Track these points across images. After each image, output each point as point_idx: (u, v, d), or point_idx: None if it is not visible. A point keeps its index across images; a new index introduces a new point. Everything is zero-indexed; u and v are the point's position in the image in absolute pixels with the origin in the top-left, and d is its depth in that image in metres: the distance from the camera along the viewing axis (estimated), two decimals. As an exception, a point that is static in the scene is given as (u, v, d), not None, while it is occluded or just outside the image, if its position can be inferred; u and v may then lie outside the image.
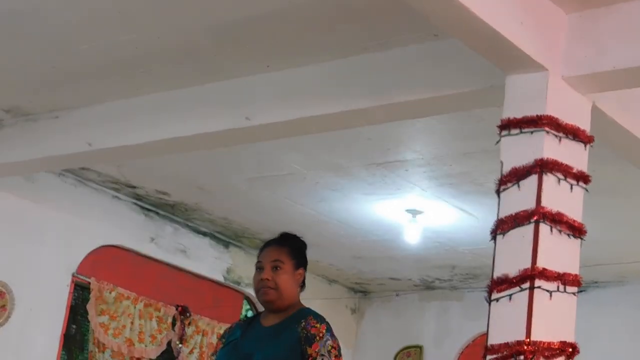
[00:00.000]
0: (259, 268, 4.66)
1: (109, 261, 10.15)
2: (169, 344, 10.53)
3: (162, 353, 10.47)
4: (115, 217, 10.12)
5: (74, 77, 7.39)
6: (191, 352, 10.68)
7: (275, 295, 4.58)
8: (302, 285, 4.70)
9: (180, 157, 8.59)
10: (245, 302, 11.67)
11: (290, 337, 4.46)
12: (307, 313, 4.56)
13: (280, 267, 4.62)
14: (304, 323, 4.49)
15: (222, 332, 5.00)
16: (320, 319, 4.53)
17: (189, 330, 10.68)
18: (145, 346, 10.21)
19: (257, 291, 4.66)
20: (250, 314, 11.50)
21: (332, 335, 4.48)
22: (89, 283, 9.88)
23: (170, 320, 10.55)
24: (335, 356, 4.44)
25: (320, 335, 4.46)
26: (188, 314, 10.68)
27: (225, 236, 11.13)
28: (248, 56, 6.74)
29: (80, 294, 10.04)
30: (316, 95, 6.71)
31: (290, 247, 4.69)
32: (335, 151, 8.38)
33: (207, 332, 10.84)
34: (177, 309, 10.61)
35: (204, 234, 10.98)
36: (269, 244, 4.75)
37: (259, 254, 4.74)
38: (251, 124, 6.95)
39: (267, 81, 6.94)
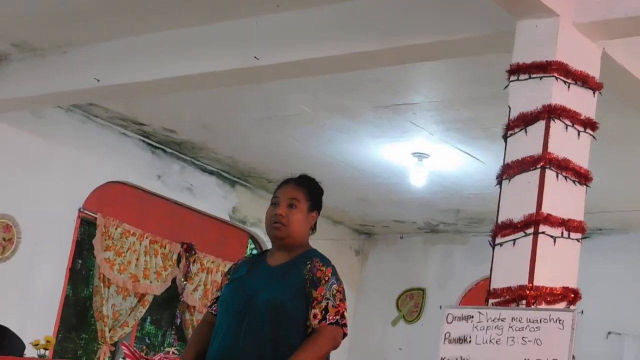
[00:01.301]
0: (275, 203, 4.67)
1: (116, 197, 10.20)
2: (173, 280, 10.61)
3: (167, 290, 10.55)
4: (122, 153, 10.15)
5: (83, 13, 7.37)
6: (195, 289, 10.77)
7: (286, 232, 4.60)
8: (313, 229, 4.72)
9: (188, 95, 8.59)
10: (249, 241, 11.73)
11: (296, 278, 4.48)
12: (314, 255, 4.57)
13: (295, 205, 4.63)
14: (309, 265, 4.51)
15: (226, 269, 5.03)
16: (326, 261, 4.55)
17: (194, 268, 10.76)
18: (150, 282, 10.29)
19: (268, 225, 4.67)
20: (254, 252, 11.57)
21: (338, 279, 4.51)
22: (95, 218, 9.93)
23: (175, 257, 10.62)
24: (340, 299, 4.47)
25: (326, 278, 4.48)
26: (193, 252, 10.74)
27: (232, 175, 11.16)
28: (258, -5, 6.71)
29: (86, 229, 10.10)
30: (325, 37, 6.69)
31: (308, 189, 4.70)
32: (342, 93, 8.37)
33: (212, 269, 10.91)
34: (182, 247, 10.67)
35: (211, 172, 11.01)
36: (288, 181, 4.75)
37: (276, 189, 4.74)
38: (259, 64, 6.94)
39: (276, 21, 6.92)
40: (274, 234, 4.65)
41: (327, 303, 4.45)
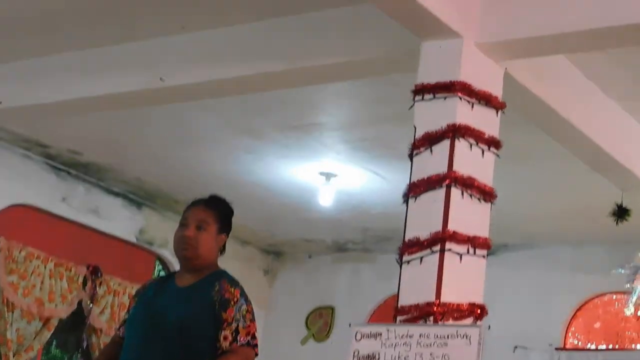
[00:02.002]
0: (183, 225, 4.64)
1: (19, 220, 10.03)
2: (79, 303, 10.45)
3: (73, 313, 10.40)
4: (25, 176, 9.98)
5: (-15, 33, 7.26)
6: (102, 312, 10.62)
7: (194, 254, 4.57)
8: (222, 250, 4.70)
9: (93, 116, 8.49)
10: (157, 262, 11.63)
11: (204, 299, 4.46)
12: (222, 276, 4.56)
13: (204, 227, 4.60)
14: (217, 287, 4.49)
15: (133, 292, 4.98)
16: (234, 283, 4.54)
17: (100, 291, 10.62)
18: (56, 306, 10.12)
19: (176, 247, 4.64)
20: (162, 274, 11.47)
21: (246, 300, 4.49)
22: (-1, 242, 9.75)
23: (81, 280, 10.47)
24: (250, 320, 4.45)
25: (235, 299, 4.47)
26: (99, 274, 10.61)
27: (138, 197, 11.06)
28: (163, 16, 6.69)
29: (-11, 253, 9.91)
30: (231, 58, 6.69)
31: (218, 211, 4.67)
32: (249, 114, 8.37)
33: (119, 292, 10.78)
34: (88, 269, 10.53)
35: (117, 194, 10.89)
36: (197, 202, 4.72)
37: (185, 210, 4.70)
38: (165, 85, 6.91)
39: (181, 42, 6.90)
40: (182, 255, 4.62)
41: (238, 324, 4.43)
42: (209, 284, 4.52)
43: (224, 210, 4.75)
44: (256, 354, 4.49)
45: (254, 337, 4.45)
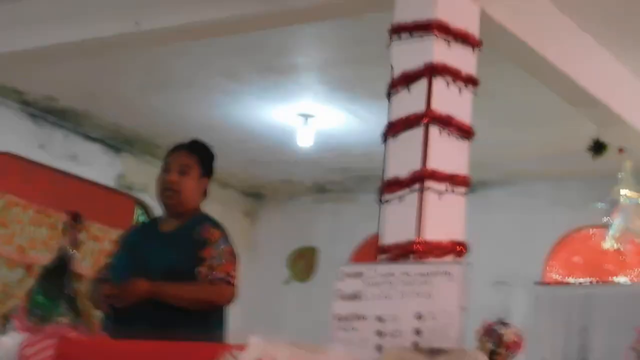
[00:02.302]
0: (166, 170, 4.64)
1: (-2, 169, 10.00)
2: (61, 250, 10.46)
3: (55, 259, 10.40)
4: (2, 123, 9.93)
5: (-44, -20, 7.18)
6: (84, 258, 10.64)
7: (177, 199, 4.58)
8: (205, 194, 4.71)
9: (69, 62, 8.44)
10: (137, 207, 11.64)
11: (187, 243, 4.48)
12: (205, 219, 4.58)
13: (187, 172, 4.61)
14: (199, 228, 4.52)
15: (114, 237, 5.00)
16: (216, 225, 4.56)
17: (82, 237, 10.61)
18: (38, 253, 10.14)
19: (159, 192, 4.65)
20: (143, 219, 11.49)
21: (227, 242, 4.51)
22: (-22, 191, 9.73)
23: (61, 226, 10.47)
24: (228, 260, 4.45)
25: (214, 240, 4.49)
26: (80, 220, 10.60)
27: (117, 142, 11.04)
28: (137, -41, 6.63)
29: (-32, 202, 9.89)
30: (206, 0, 6.64)
31: (200, 155, 4.68)
32: (226, 56, 8.34)
33: (100, 238, 10.79)
34: (68, 215, 10.52)
35: (95, 139, 10.86)
36: (179, 147, 4.72)
37: (167, 155, 4.70)
38: (140, 29, 6.86)
39: (156, -15, 6.84)
40: (165, 200, 4.64)
41: (213, 262, 4.44)
42: (192, 227, 4.54)
43: (206, 155, 4.76)
44: (234, 294, 4.48)
45: (229, 275, 4.44)
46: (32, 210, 10.13)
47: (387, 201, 5.33)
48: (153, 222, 4.79)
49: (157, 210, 10.91)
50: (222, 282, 4.41)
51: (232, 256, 4.51)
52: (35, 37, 7.36)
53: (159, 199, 4.67)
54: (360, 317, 4.56)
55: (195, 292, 4.37)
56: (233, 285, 4.45)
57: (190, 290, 4.37)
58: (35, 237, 10.13)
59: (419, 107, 5.33)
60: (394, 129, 5.40)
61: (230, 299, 4.45)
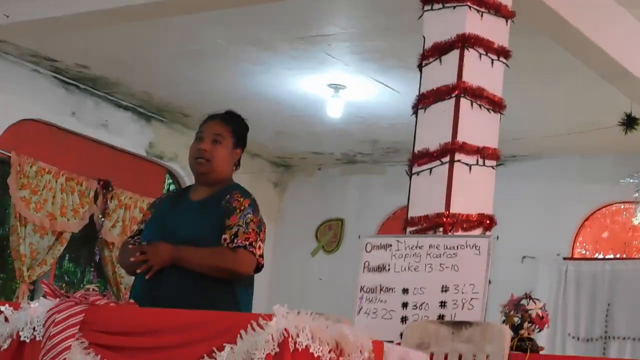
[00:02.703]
0: (199, 138, 4.64)
1: (29, 135, 10.05)
2: (91, 217, 10.53)
3: (85, 227, 10.48)
4: (34, 91, 9.98)
5: (-11, -54, 7.20)
6: (114, 226, 10.70)
7: (208, 167, 4.59)
8: (237, 165, 4.71)
9: (100, 30, 8.46)
10: (167, 176, 11.68)
11: (216, 212, 4.48)
12: (235, 188, 4.57)
13: (220, 141, 4.61)
14: (228, 197, 4.52)
15: (145, 206, 5.00)
16: (246, 194, 4.55)
17: (112, 205, 10.68)
18: (68, 220, 10.20)
19: (192, 160, 4.65)
20: (172, 187, 11.53)
21: (255, 211, 4.49)
22: (9, 157, 9.78)
23: (92, 194, 10.53)
24: (254, 230, 4.43)
25: (242, 208, 4.48)
26: (110, 188, 10.66)
27: (147, 110, 11.06)
28: None
29: (0, 168, 9.96)
30: (238, -32, 6.63)
31: (234, 126, 4.68)
32: (256, 25, 8.32)
33: (130, 206, 10.85)
34: (99, 183, 10.58)
35: (126, 108, 10.90)
36: (213, 117, 4.72)
37: (201, 124, 4.70)
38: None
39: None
40: (197, 169, 4.64)
41: (238, 229, 4.43)
42: (222, 196, 4.54)
43: (240, 126, 4.76)
44: (259, 264, 4.47)
45: (252, 244, 4.42)
46: (63, 177, 10.19)
47: (416, 173, 5.32)
48: (184, 191, 4.78)
49: (187, 179, 10.97)
50: (242, 250, 4.39)
51: (258, 226, 4.49)
52: (68, 5, 7.39)
53: (191, 167, 4.68)
54: (386, 289, 4.56)
55: (214, 258, 4.38)
56: (254, 254, 4.42)
57: (209, 256, 4.37)
58: (65, 205, 10.19)
59: (450, 78, 5.31)
60: (424, 100, 5.38)
61: (250, 267, 4.42)
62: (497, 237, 4.64)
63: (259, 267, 4.48)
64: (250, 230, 4.44)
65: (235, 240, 4.40)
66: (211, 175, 4.62)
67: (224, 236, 4.42)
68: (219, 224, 4.46)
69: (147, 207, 4.83)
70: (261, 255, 4.48)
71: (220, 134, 4.65)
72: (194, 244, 4.42)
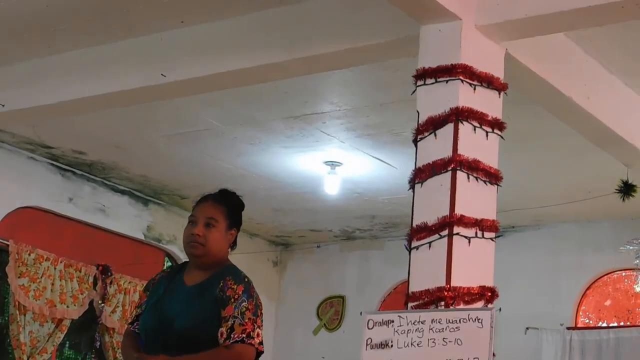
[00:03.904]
0: (192, 222, 4.59)
1: (27, 223, 10.04)
2: (91, 303, 10.47)
3: (85, 313, 10.41)
4: (31, 178, 10.00)
5: (-16, 37, 7.26)
6: (114, 311, 10.64)
7: (203, 251, 4.53)
8: (233, 245, 4.67)
9: (96, 115, 8.50)
10: (166, 259, 11.65)
11: (209, 298, 4.42)
12: (228, 273, 4.51)
13: (213, 225, 4.55)
14: (221, 284, 4.45)
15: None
16: (238, 279, 4.48)
17: (111, 290, 10.63)
18: (67, 307, 10.14)
19: (186, 245, 4.61)
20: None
21: (250, 296, 4.42)
22: (7, 245, 9.76)
23: (91, 280, 10.49)
24: (250, 319, 4.37)
25: (236, 296, 4.41)
26: (109, 273, 10.62)
27: (144, 194, 11.07)
28: (161, 12, 6.68)
29: (-2, 257, 9.93)
30: (232, 50, 6.68)
31: (227, 207, 4.62)
32: (252, 105, 8.37)
33: (129, 290, 10.80)
34: (97, 269, 10.54)
35: (123, 192, 10.91)
36: (206, 198, 4.67)
37: (194, 206, 4.65)
38: (167, 81, 6.91)
39: (181, 37, 6.90)
40: (192, 252, 4.60)
41: (234, 322, 4.38)
42: (215, 283, 4.49)
43: (234, 205, 4.70)
44: (259, 351, 4.43)
45: (249, 335, 4.37)
46: (61, 264, 10.15)
47: (415, 248, 5.30)
48: (179, 271, 4.71)
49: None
50: (240, 345, 4.35)
51: (254, 312, 4.42)
52: (62, 91, 7.43)
53: (185, 250, 4.64)
54: (390, 366, 4.52)
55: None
56: (253, 344, 4.37)
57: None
58: (64, 291, 10.14)
59: (445, 152, 5.32)
60: (421, 174, 5.38)
61: (252, 358, 4.40)
62: (500, 309, 4.62)
63: (259, 354, 4.44)
64: (247, 320, 4.39)
65: (232, 335, 4.36)
66: (206, 258, 4.58)
67: (220, 330, 4.38)
68: (215, 315, 4.41)
69: (143, 289, 4.78)
70: (260, 343, 4.43)
71: (213, 217, 4.60)
72: (193, 332, 4.39)
